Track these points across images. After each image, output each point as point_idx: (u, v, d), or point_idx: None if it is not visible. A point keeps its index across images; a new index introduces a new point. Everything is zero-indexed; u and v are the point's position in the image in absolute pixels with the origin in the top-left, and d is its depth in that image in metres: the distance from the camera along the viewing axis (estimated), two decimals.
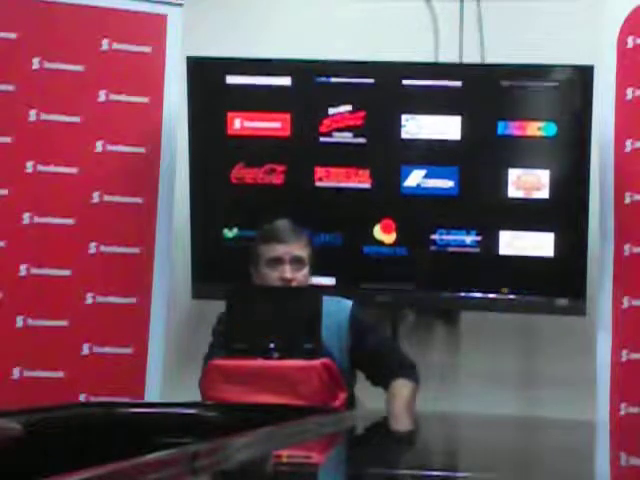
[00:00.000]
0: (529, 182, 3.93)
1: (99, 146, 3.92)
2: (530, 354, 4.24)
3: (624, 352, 3.79)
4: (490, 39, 4.27)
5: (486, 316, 4.08)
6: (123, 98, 3.95)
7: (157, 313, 3.93)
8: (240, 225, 3.96)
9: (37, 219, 3.86)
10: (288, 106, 4.01)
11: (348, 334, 3.36)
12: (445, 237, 3.96)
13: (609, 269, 3.83)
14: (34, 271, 3.85)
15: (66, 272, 3.87)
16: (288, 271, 3.34)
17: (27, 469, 1.74)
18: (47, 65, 3.89)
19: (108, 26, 3.94)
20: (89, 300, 3.88)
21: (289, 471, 1.93)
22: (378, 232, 3.99)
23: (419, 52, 4.20)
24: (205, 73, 4.03)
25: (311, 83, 4.00)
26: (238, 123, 4.02)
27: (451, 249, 3.96)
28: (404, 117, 3.96)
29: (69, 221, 3.89)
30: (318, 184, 4.01)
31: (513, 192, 3.94)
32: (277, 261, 3.36)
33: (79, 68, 3.92)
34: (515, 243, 3.94)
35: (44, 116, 3.88)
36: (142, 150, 3.97)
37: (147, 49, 3.98)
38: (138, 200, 3.95)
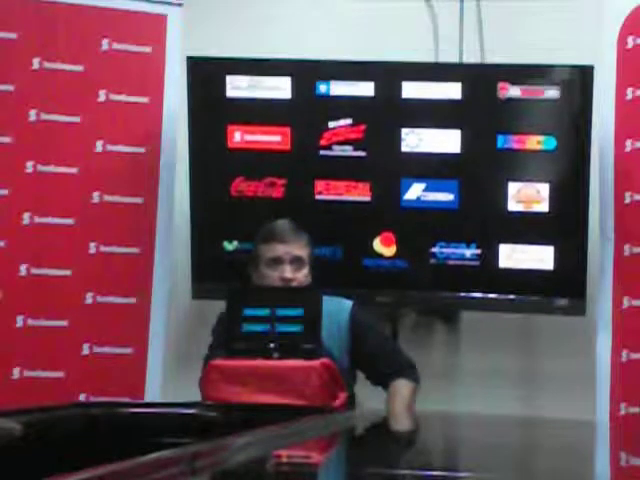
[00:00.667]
0: (529, 195, 3.93)
1: (99, 146, 3.92)
2: (530, 354, 4.24)
3: (624, 352, 3.79)
4: (490, 39, 4.26)
5: (486, 316, 4.08)
6: (123, 98, 3.95)
7: (157, 313, 3.93)
8: (240, 238, 3.95)
9: (37, 219, 3.86)
10: (288, 119, 4.01)
11: (348, 334, 3.37)
12: (445, 250, 3.97)
13: (609, 269, 3.83)
14: (34, 271, 3.85)
15: (66, 272, 3.87)
16: (288, 271, 3.35)
17: (27, 469, 1.74)
18: (47, 65, 3.89)
19: (108, 26, 3.94)
20: (89, 300, 3.88)
21: (289, 471, 1.93)
22: (378, 245, 3.99)
23: (419, 52, 4.19)
24: (205, 73, 4.02)
25: (311, 95, 3.98)
26: (238, 136, 4.01)
27: (451, 262, 3.96)
28: (404, 130, 3.96)
29: (69, 221, 3.89)
30: (318, 197, 4.00)
31: (513, 205, 3.94)
32: (277, 261, 3.36)
33: (79, 68, 3.92)
34: (515, 256, 3.95)
35: (44, 116, 3.88)
36: (142, 150, 3.97)
37: (147, 49, 3.98)
38: (138, 200, 3.95)
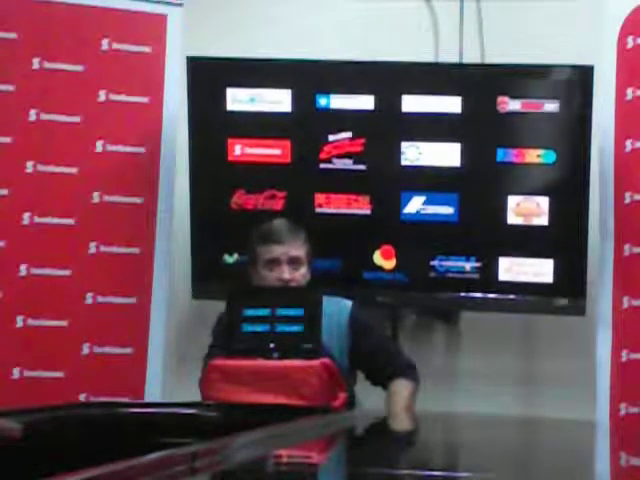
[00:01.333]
0: (528, 209, 3.93)
1: (99, 146, 3.92)
2: (530, 354, 4.24)
3: (624, 352, 3.79)
4: (490, 39, 4.27)
5: (486, 316, 4.08)
6: (123, 98, 3.95)
7: (157, 313, 3.93)
8: (241, 251, 3.95)
9: (37, 219, 3.86)
10: (288, 132, 4.01)
11: (348, 334, 3.37)
12: (445, 263, 3.97)
13: (609, 269, 3.83)
14: (34, 271, 3.85)
15: (66, 272, 3.87)
16: (286, 272, 3.35)
17: (27, 469, 1.74)
18: (47, 65, 3.89)
19: (108, 26, 3.94)
20: (89, 300, 3.88)
21: (289, 471, 1.93)
22: (378, 258, 3.99)
23: (419, 52, 4.19)
24: (205, 73, 4.02)
25: (311, 108, 3.98)
26: (238, 149, 4.02)
27: (451, 275, 3.97)
28: (404, 144, 3.96)
29: (69, 221, 3.89)
30: (318, 210, 4.00)
31: (513, 219, 3.94)
32: (274, 262, 3.37)
33: (79, 68, 3.92)
34: (514, 270, 3.95)
35: (44, 116, 3.88)
36: (142, 150, 3.97)
37: (147, 49, 3.98)
38: (138, 200, 3.95)
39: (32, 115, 3.87)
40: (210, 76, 4.02)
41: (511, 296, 3.96)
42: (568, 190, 3.92)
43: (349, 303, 3.42)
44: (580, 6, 4.16)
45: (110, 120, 3.94)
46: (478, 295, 3.98)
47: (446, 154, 3.96)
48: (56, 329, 3.84)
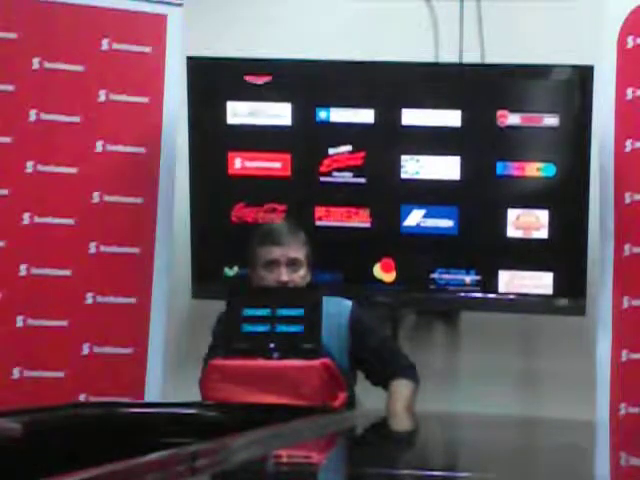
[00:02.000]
0: (528, 222, 3.94)
1: (99, 146, 3.92)
2: (530, 354, 4.24)
3: (624, 352, 3.79)
4: (490, 39, 4.27)
5: (486, 316, 4.08)
6: (123, 98, 3.95)
7: (157, 313, 3.93)
8: (241, 264, 3.94)
9: (37, 219, 3.86)
10: (288, 146, 4.02)
11: (348, 334, 3.37)
12: (445, 276, 3.97)
13: (609, 269, 3.83)
14: (34, 271, 3.85)
15: (66, 272, 3.87)
16: (284, 274, 3.35)
17: (27, 469, 1.74)
18: (47, 65, 3.89)
19: (108, 26, 3.94)
20: (89, 300, 3.88)
21: (289, 471, 1.93)
22: (378, 271, 3.99)
23: (419, 52, 4.19)
24: (205, 73, 4.02)
25: (311, 122, 3.98)
26: (239, 163, 4.02)
27: (451, 288, 3.97)
28: (404, 157, 3.97)
29: (69, 221, 3.89)
30: (318, 223, 4.00)
31: (512, 232, 3.95)
32: (273, 263, 3.36)
33: (79, 68, 3.92)
34: (515, 282, 3.95)
35: (44, 116, 3.88)
36: (142, 150, 3.97)
37: (147, 49, 3.98)
38: (138, 200, 3.95)
39: (32, 115, 3.87)
40: (210, 77, 4.02)
41: (511, 296, 3.96)
42: (568, 203, 3.92)
43: (349, 303, 3.42)
44: (580, 6, 4.16)
45: (110, 120, 3.94)
46: (478, 295, 3.98)
47: (446, 167, 3.96)
48: (56, 329, 3.84)
